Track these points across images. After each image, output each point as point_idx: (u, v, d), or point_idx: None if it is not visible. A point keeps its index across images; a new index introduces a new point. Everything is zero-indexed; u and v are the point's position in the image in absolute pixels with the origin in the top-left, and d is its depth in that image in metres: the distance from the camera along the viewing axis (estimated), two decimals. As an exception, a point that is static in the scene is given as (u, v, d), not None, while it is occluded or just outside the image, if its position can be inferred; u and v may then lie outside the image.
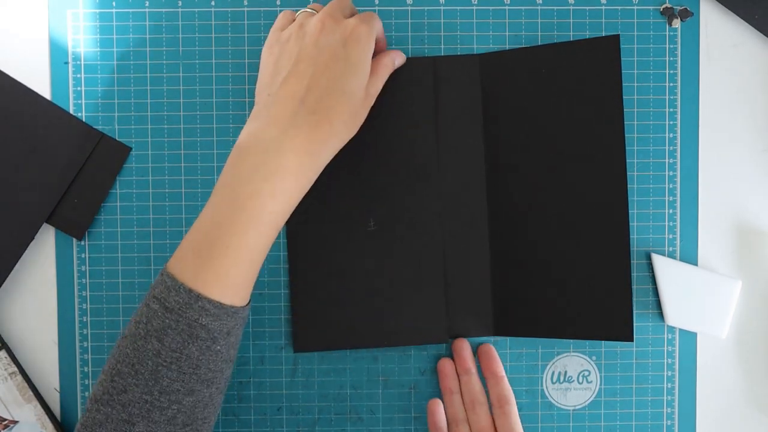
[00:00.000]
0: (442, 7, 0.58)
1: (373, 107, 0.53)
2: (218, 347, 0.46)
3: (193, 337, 0.45)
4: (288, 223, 0.57)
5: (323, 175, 0.50)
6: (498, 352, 0.58)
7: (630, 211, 0.58)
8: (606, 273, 0.56)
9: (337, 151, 0.50)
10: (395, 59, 0.55)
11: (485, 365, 0.58)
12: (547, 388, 0.59)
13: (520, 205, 0.57)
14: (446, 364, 0.58)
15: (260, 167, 0.46)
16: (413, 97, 0.57)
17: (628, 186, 0.57)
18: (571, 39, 0.57)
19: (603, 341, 0.58)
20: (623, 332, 0.56)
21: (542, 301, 0.57)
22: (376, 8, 0.58)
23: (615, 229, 0.56)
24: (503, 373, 0.57)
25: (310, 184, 0.49)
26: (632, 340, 0.56)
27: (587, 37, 0.58)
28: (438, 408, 0.57)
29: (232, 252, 0.46)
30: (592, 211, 0.56)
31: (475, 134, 0.57)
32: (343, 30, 0.50)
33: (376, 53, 0.54)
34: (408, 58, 0.57)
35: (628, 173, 0.57)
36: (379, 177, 0.57)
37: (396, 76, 0.56)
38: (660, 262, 0.58)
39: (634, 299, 0.59)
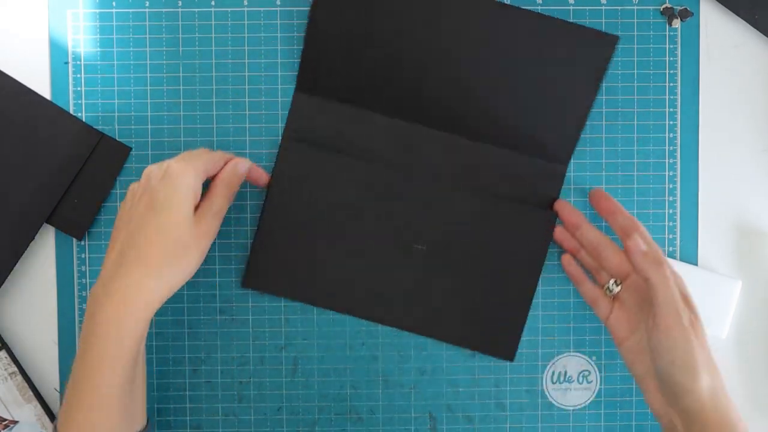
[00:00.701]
0: (442, 7, 0.58)
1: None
2: None
3: None
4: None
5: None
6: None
7: (630, 212, 0.58)
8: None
9: (185, 281, 0.50)
10: (237, 167, 0.53)
11: (600, 206, 0.56)
12: (547, 388, 0.59)
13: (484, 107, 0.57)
14: (559, 230, 0.57)
15: (95, 318, 0.48)
16: (321, 167, 0.57)
17: (629, 186, 0.58)
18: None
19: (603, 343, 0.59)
20: None
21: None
22: (376, 8, 0.58)
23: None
24: (619, 206, 0.55)
25: (151, 316, 0.49)
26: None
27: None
28: (572, 260, 0.57)
29: (86, 398, 0.48)
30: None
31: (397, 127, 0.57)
32: (159, 172, 0.50)
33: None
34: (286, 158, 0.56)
35: (628, 173, 0.58)
36: (383, 244, 0.57)
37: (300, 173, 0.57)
38: (660, 262, 0.58)
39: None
